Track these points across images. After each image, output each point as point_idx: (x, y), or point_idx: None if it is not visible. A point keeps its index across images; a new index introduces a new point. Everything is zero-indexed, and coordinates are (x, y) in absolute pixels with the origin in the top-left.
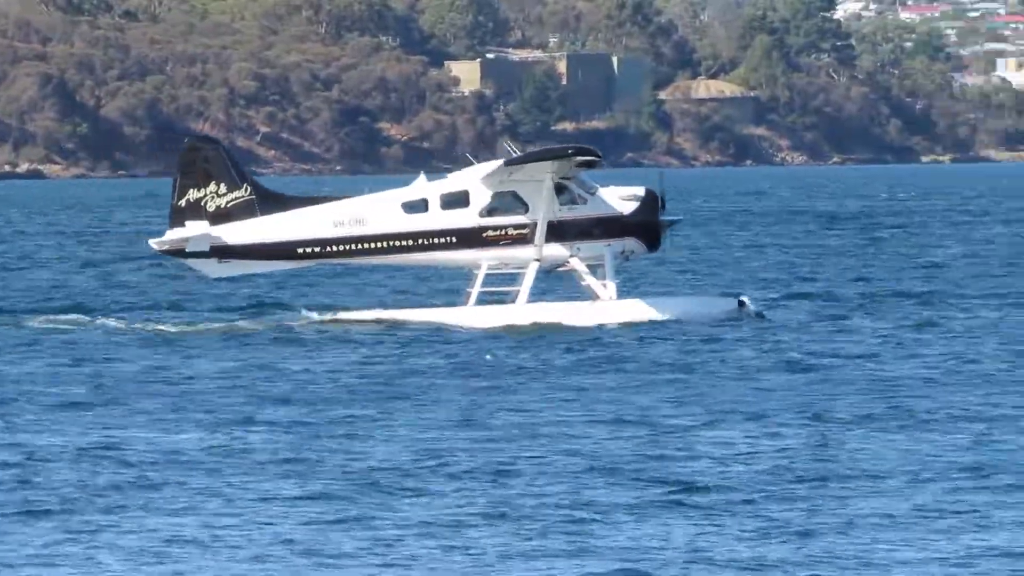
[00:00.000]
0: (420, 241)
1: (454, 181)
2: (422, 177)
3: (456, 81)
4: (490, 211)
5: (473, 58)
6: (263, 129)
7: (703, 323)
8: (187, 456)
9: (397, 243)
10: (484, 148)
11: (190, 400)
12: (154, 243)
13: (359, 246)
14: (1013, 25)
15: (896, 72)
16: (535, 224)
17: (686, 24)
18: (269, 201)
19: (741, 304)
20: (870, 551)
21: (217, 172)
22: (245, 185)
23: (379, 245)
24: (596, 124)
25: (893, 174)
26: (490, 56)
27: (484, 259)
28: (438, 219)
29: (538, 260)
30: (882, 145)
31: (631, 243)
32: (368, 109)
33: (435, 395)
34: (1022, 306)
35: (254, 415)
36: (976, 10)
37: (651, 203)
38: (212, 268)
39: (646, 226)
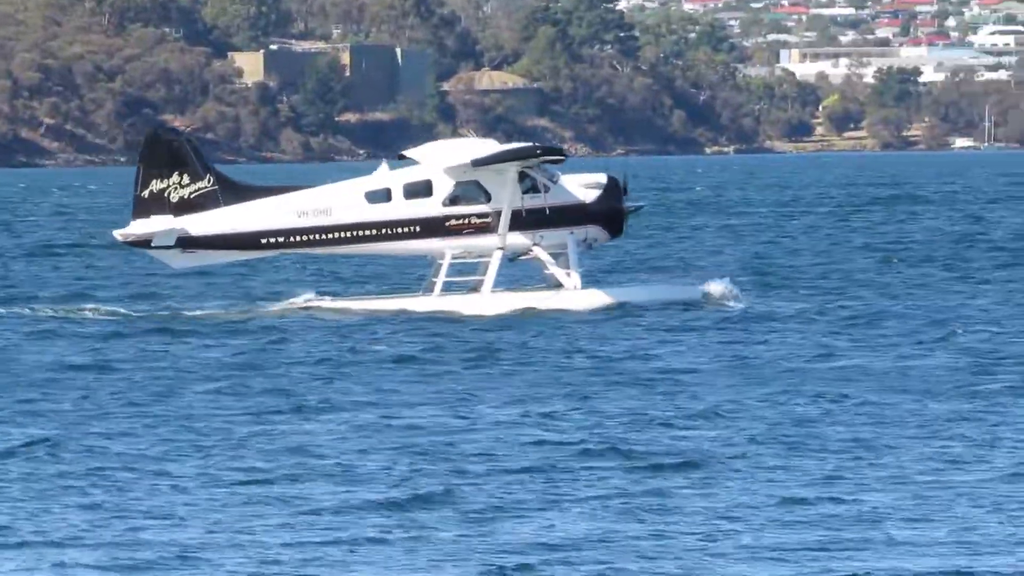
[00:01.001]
0: (384, 231)
1: (417, 171)
2: (384, 166)
3: (239, 72)
4: (453, 200)
5: (256, 49)
6: (47, 120)
7: (664, 309)
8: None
9: (361, 233)
10: (268, 139)
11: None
12: (118, 234)
13: (323, 236)
14: (796, 16)
15: (679, 63)
16: (498, 213)
17: (469, 15)
18: (232, 191)
19: (707, 292)
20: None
21: (180, 162)
22: (208, 175)
23: (343, 235)
24: (380, 115)
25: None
26: (273, 47)
27: (448, 248)
28: (401, 208)
29: (502, 248)
30: (665, 136)
31: (594, 231)
32: (152, 100)
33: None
34: None
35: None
36: (759, 1)
37: (613, 190)
38: (175, 259)
39: (609, 213)
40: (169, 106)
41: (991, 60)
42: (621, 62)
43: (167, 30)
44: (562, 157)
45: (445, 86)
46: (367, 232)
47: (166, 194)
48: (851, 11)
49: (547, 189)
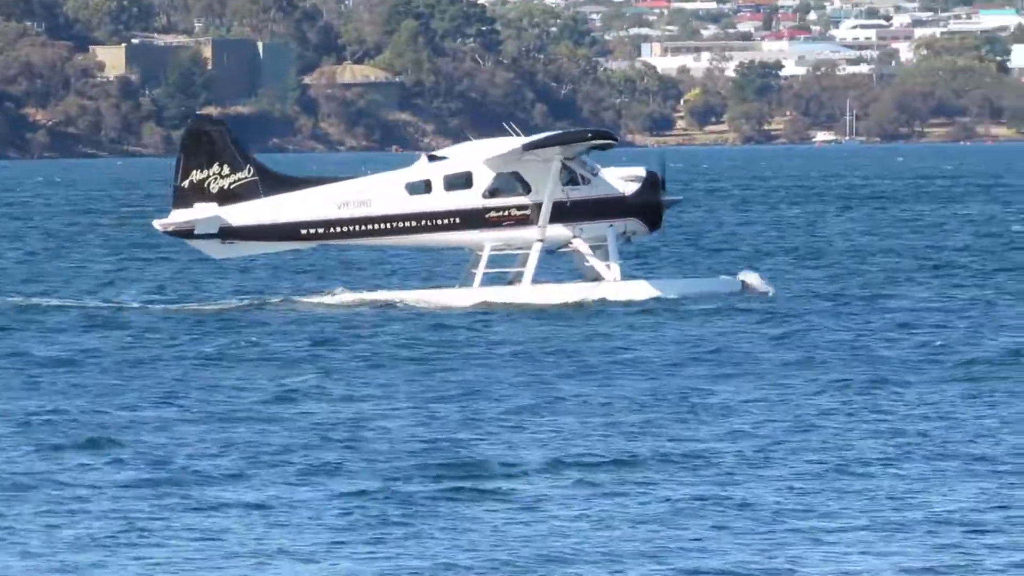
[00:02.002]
0: (424, 222)
1: (457, 162)
2: (423, 158)
3: (101, 66)
4: (493, 192)
5: (118, 43)
6: None
7: (707, 302)
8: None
9: (401, 224)
10: (129, 133)
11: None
12: (159, 224)
13: (363, 227)
14: (657, 10)
15: (541, 57)
16: (537, 205)
17: (331, 9)
18: (272, 182)
19: (744, 284)
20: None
21: (220, 153)
22: (248, 166)
23: (383, 226)
24: (241, 109)
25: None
26: (135, 41)
27: (487, 240)
28: (442, 200)
29: (541, 241)
30: (527, 130)
31: (633, 224)
32: (14, 94)
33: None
34: None
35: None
36: None
37: (652, 183)
38: (216, 249)
39: (648, 207)
40: (31, 100)
41: (852, 54)
42: (483, 56)
43: (29, 24)
44: (613, 141)
45: (307, 80)
46: (407, 224)
47: (206, 184)
48: (713, 5)
49: (587, 181)
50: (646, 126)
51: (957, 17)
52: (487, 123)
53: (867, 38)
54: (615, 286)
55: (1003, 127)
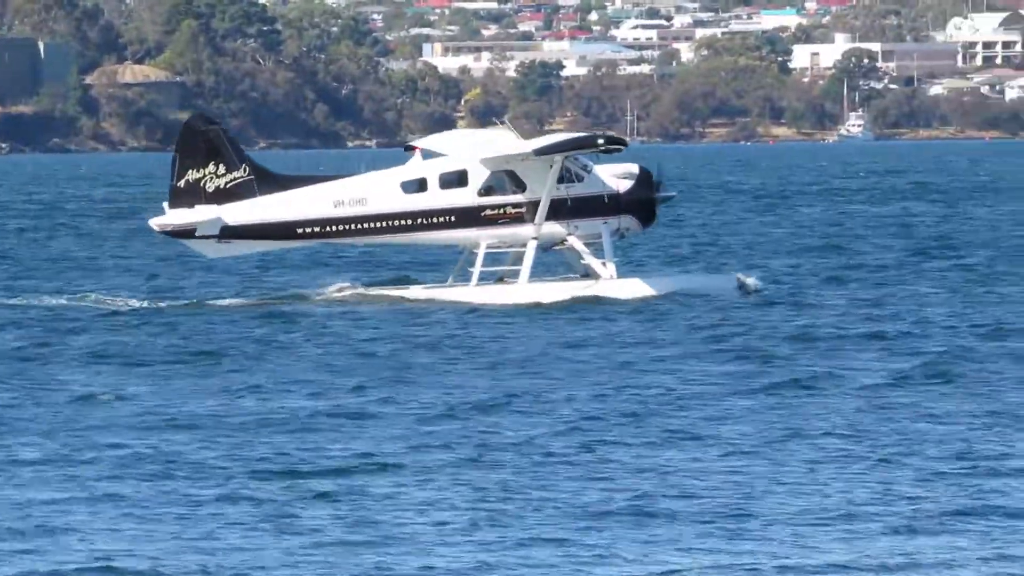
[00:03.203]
0: (420, 220)
1: (452, 160)
2: (418, 155)
3: None
4: (487, 190)
5: None
6: None
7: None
8: None
9: (397, 223)
10: None
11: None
12: (155, 224)
13: (359, 226)
14: (439, 10)
15: (322, 57)
16: (532, 203)
17: (112, 8)
18: (267, 181)
19: (740, 281)
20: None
21: (216, 152)
22: (244, 165)
23: (379, 225)
24: (22, 108)
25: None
26: None
27: (483, 238)
28: (437, 198)
29: (536, 239)
30: (308, 130)
31: (627, 220)
32: None
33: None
34: None
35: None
36: None
37: (646, 180)
38: (211, 248)
39: (642, 203)
40: None
41: (634, 54)
42: (264, 56)
43: None
44: (623, 146)
45: (88, 79)
46: (403, 222)
47: (202, 184)
48: (494, 5)
49: (581, 179)
50: (427, 126)
51: (738, 17)
52: (268, 123)
53: (648, 38)
54: (612, 283)
55: (784, 127)
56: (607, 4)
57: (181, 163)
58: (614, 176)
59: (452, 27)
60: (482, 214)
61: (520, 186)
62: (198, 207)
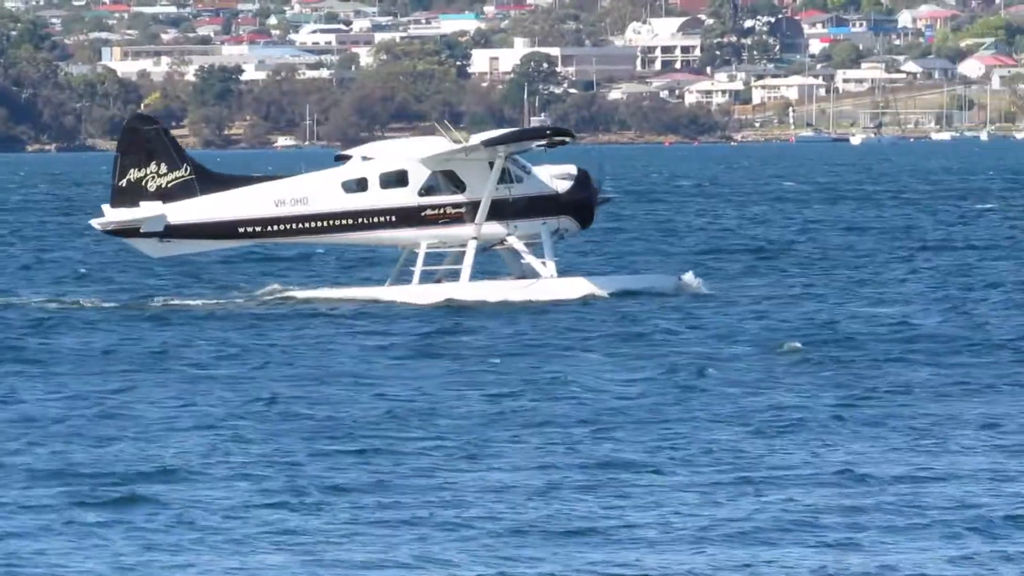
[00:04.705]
0: (360, 220)
1: (393, 160)
2: (357, 156)
3: None
4: (428, 190)
5: None
6: None
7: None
8: None
9: (337, 222)
10: None
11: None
12: (97, 223)
13: (300, 225)
14: (118, 14)
15: (1, 61)
16: (472, 203)
17: None
18: (209, 181)
19: (680, 280)
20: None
21: (158, 152)
22: (185, 165)
23: (320, 224)
24: None
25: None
26: None
27: (423, 238)
28: (377, 198)
29: (476, 238)
30: None
31: (565, 221)
32: None
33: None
34: None
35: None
36: None
37: (584, 181)
38: (153, 248)
39: (580, 204)
40: None
41: (312, 59)
42: None
43: None
44: (571, 138)
45: None
46: (343, 221)
47: (144, 183)
48: (173, 9)
49: (520, 180)
50: (107, 130)
51: (417, 22)
52: None
53: (327, 43)
54: (552, 283)
55: (463, 131)
56: (286, 9)
57: (123, 163)
58: (553, 177)
59: (131, 31)
60: (422, 214)
61: (460, 186)
62: (142, 204)
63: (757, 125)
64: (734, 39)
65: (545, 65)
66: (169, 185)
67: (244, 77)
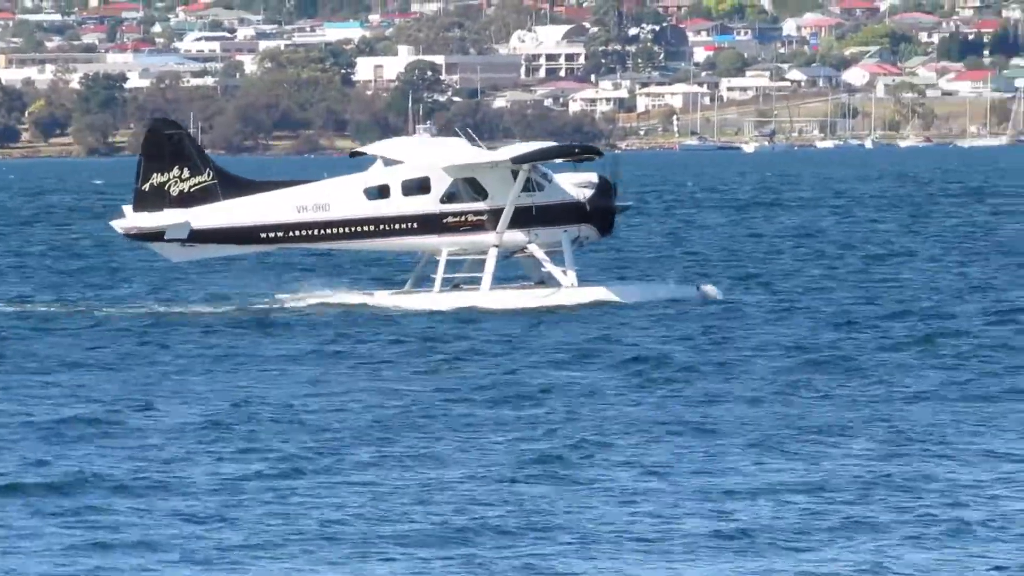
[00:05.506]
0: (382, 227)
1: (415, 167)
2: (379, 162)
3: None
4: (449, 197)
5: None
6: None
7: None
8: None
9: (359, 229)
10: None
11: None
12: (119, 226)
13: (322, 231)
14: (2, 22)
15: None
16: (494, 211)
17: None
18: (231, 185)
19: (699, 290)
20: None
21: (181, 156)
22: (208, 169)
23: (341, 231)
24: None
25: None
26: None
27: (444, 245)
28: (399, 205)
29: (497, 246)
30: None
31: (586, 229)
32: None
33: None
34: None
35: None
36: None
37: (605, 189)
38: (175, 252)
39: (601, 212)
40: None
41: (197, 67)
42: None
43: None
44: (599, 155)
45: None
46: (365, 228)
47: (166, 187)
48: (58, 17)
49: (542, 188)
50: None
51: (302, 30)
52: None
53: (212, 51)
54: (572, 291)
55: (348, 140)
56: (170, 17)
57: (146, 167)
58: (574, 185)
59: (16, 39)
60: (444, 221)
61: (482, 194)
62: (166, 210)
63: (642, 133)
64: (619, 47)
65: (430, 73)
66: (192, 190)
67: (129, 85)
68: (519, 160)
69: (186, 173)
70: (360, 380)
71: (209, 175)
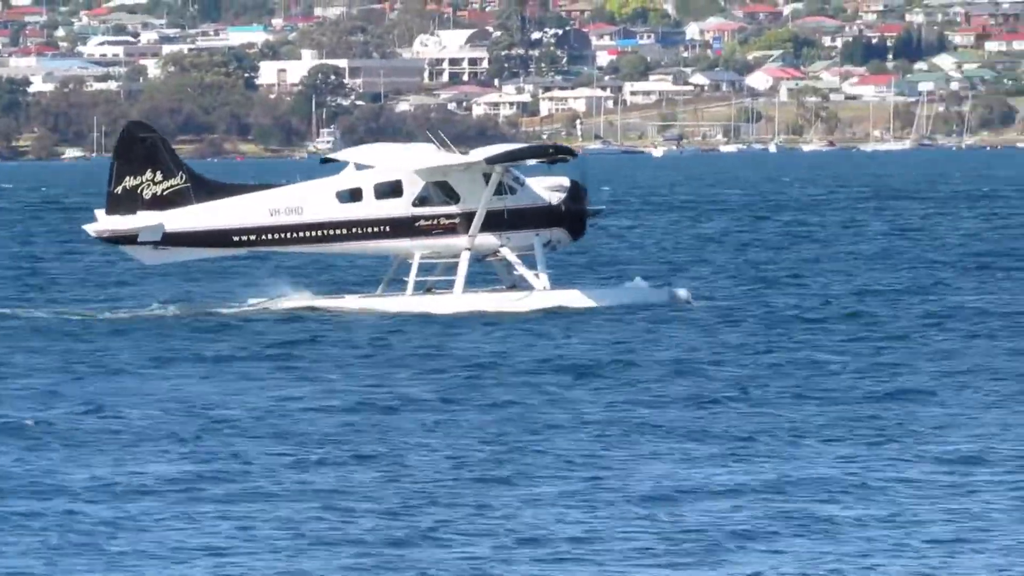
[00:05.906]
0: (354, 230)
1: (387, 171)
2: (351, 166)
3: None
4: (422, 200)
5: None
6: None
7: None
8: None
9: (332, 232)
10: None
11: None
12: (91, 230)
13: (294, 234)
14: None
15: None
16: (466, 214)
17: None
18: (204, 189)
19: (672, 294)
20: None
21: (153, 159)
22: (180, 173)
23: (314, 234)
24: None
25: None
26: None
27: (416, 248)
28: (372, 208)
29: (469, 249)
30: None
31: (558, 233)
32: None
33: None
34: None
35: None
36: None
37: (577, 193)
38: (147, 255)
39: (573, 216)
40: None
41: (100, 71)
42: None
43: None
44: (573, 156)
45: None
46: (337, 231)
47: (139, 191)
48: None
49: (514, 191)
50: None
51: (205, 34)
52: None
53: (115, 55)
54: (545, 294)
55: (251, 144)
56: (74, 21)
57: (119, 170)
58: (546, 188)
59: None
60: (416, 224)
61: (454, 197)
62: (139, 213)
63: (545, 137)
64: (522, 51)
65: (333, 77)
66: (164, 193)
67: (32, 89)
68: (492, 161)
69: (159, 176)
70: (323, 383)
71: (182, 178)
